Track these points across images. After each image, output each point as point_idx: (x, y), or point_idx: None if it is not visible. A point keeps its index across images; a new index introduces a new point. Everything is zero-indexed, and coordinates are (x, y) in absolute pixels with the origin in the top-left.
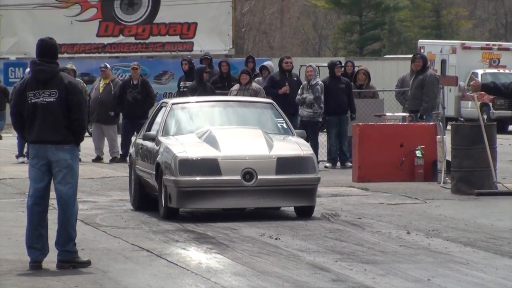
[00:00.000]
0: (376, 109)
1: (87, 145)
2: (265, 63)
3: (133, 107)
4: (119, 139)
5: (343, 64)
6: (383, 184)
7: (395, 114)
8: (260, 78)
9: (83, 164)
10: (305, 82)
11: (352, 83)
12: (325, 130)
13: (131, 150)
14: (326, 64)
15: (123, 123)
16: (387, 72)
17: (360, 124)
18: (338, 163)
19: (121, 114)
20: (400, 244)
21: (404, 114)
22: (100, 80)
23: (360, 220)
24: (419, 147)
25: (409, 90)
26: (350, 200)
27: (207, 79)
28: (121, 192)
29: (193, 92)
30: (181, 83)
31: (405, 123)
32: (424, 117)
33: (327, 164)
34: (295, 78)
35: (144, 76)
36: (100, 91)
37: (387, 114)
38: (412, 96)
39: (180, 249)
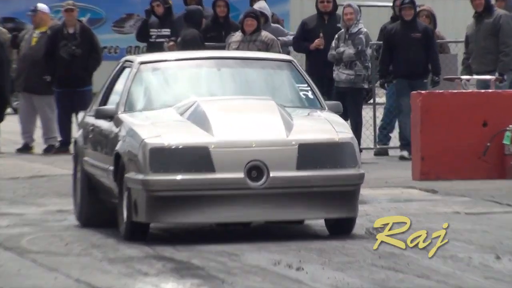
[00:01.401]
0: (446, 69)
1: (9, 127)
2: (257, 4)
3: (69, 68)
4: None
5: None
6: (458, 183)
7: (475, 77)
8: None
9: (2, 156)
10: (342, 30)
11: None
12: (370, 101)
13: (77, 133)
14: (380, 4)
15: (55, 93)
16: (460, 15)
17: (422, 92)
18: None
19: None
20: (485, 276)
21: (489, 77)
22: (34, 29)
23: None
24: (510, 126)
25: (468, 42)
26: (409, 207)
27: (204, 28)
28: (60, 199)
29: (192, 45)
30: (153, 30)
31: (490, 90)
32: (505, 77)
33: (404, 153)
34: (339, 25)
35: (99, 21)
36: (32, 43)
37: (462, 77)
38: (480, 51)
39: (151, 286)
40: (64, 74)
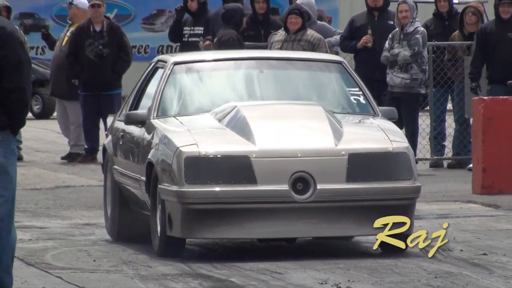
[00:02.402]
0: None
1: (31, 133)
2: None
3: (95, 70)
4: None
5: None
6: None
7: None
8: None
9: (24, 165)
10: (396, 30)
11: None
12: (427, 107)
13: (106, 140)
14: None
15: (80, 97)
16: None
17: (484, 98)
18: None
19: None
20: None
21: None
22: (69, 26)
23: (485, 257)
24: None
25: None
26: (469, 223)
27: (245, 27)
28: (86, 211)
29: (229, 47)
30: (186, 29)
31: None
32: None
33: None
34: (391, 22)
35: (127, 18)
36: (63, 44)
37: None
38: None
39: None
40: (90, 76)
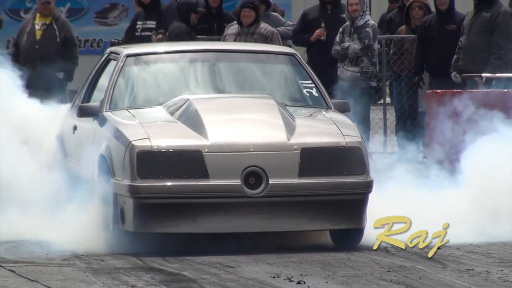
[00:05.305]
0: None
1: None
2: None
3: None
4: None
5: None
6: None
7: (498, 75)
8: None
9: None
10: (347, 23)
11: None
12: (381, 101)
13: (59, 130)
14: None
15: None
16: (460, 3)
17: (437, 91)
18: None
19: None
20: None
21: None
22: (34, 18)
23: (439, 251)
24: None
25: (463, 36)
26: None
27: (195, 23)
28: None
29: (179, 40)
30: (139, 23)
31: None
32: (494, 82)
33: None
34: (343, 15)
35: (81, 11)
36: (38, 37)
37: (483, 74)
38: (471, 47)
39: None
40: None
